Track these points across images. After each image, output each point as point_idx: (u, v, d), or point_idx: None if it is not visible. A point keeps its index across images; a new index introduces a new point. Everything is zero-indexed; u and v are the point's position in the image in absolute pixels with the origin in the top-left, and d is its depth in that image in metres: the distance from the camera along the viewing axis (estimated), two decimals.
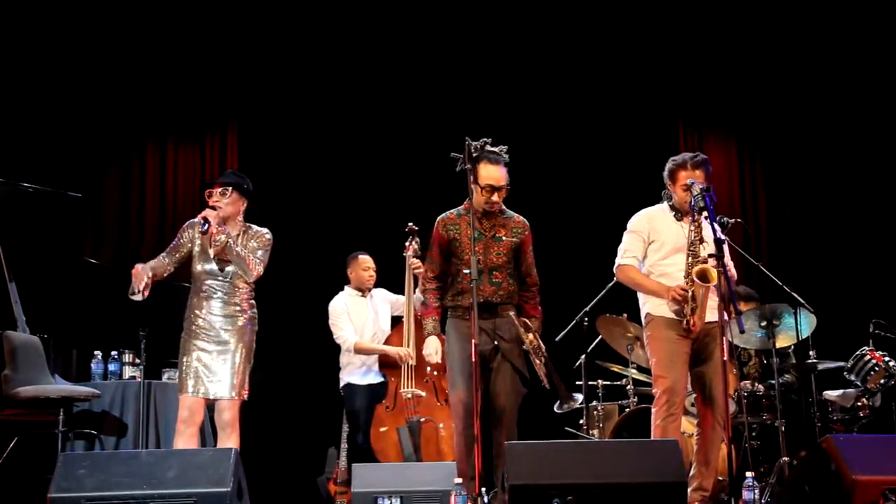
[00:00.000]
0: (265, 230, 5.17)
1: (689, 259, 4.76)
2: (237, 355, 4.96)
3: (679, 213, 4.94)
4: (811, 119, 8.30)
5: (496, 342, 4.94)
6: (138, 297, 4.90)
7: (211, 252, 5.00)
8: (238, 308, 5.01)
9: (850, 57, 8.15)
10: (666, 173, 4.99)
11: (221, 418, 4.97)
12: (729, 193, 8.19)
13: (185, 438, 4.91)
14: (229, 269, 5.00)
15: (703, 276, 4.64)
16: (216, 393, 4.93)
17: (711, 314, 4.77)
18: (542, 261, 7.59)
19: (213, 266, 5.00)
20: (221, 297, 5.00)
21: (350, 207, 8.09)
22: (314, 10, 8.04)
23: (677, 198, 4.93)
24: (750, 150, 8.49)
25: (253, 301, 5.10)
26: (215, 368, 4.94)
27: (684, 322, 4.72)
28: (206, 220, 4.90)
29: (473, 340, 4.59)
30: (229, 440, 4.94)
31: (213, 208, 4.98)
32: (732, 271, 4.96)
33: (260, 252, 5.05)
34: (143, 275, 4.86)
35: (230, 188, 5.09)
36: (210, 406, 5.10)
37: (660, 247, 4.91)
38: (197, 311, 5.00)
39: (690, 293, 4.70)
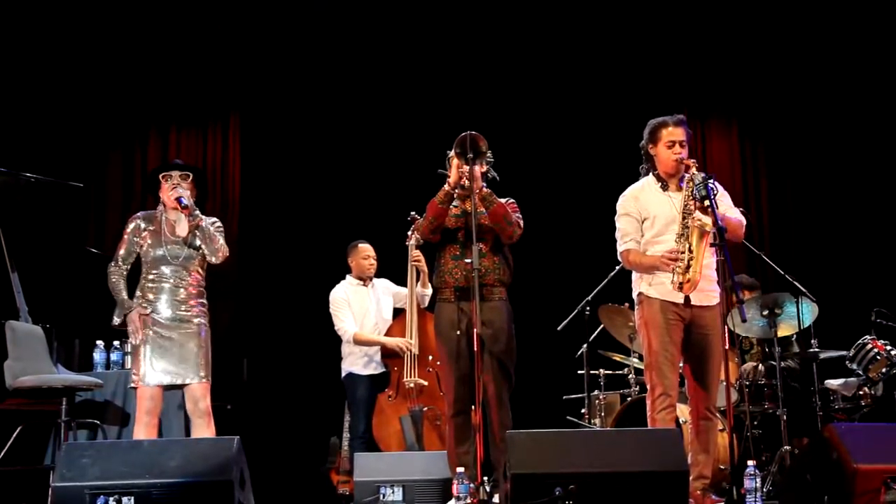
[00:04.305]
0: (214, 218, 5.16)
1: (682, 220, 4.59)
2: (197, 341, 4.93)
3: (664, 182, 4.81)
4: (814, 108, 8.28)
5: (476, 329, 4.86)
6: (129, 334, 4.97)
7: (185, 229, 4.96)
8: (188, 294, 4.98)
9: (852, 46, 8.13)
10: (646, 135, 4.84)
11: (197, 407, 4.92)
12: (731, 182, 8.17)
13: (148, 429, 4.86)
14: (185, 254, 4.98)
15: (700, 227, 4.51)
16: (185, 379, 4.89)
17: (709, 298, 4.73)
18: (545, 251, 7.65)
19: (172, 252, 4.96)
20: (174, 284, 4.96)
21: (351, 196, 8.10)
22: (316, 1, 8.03)
23: (661, 158, 4.79)
24: (752, 139, 8.48)
25: (204, 290, 5.09)
26: (178, 357, 4.90)
27: (676, 284, 4.55)
28: (181, 197, 4.89)
29: (476, 330, 4.58)
30: (208, 429, 4.92)
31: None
32: (741, 219, 4.85)
33: (220, 237, 5.05)
34: (140, 324, 4.90)
35: (190, 175, 5.08)
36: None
37: (651, 224, 4.77)
38: (148, 299, 4.95)
39: (686, 247, 4.54)
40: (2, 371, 5.57)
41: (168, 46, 8.19)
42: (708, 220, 4.48)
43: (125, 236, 5.06)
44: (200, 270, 5.07)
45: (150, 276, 4.99)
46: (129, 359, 6.43)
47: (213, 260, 5.04)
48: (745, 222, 4.87)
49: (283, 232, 8.24)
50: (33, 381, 5.55)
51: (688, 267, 4.53)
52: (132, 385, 4.97)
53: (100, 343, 6.40)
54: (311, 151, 8.30)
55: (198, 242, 4.99)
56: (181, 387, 4.96)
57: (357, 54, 8.23)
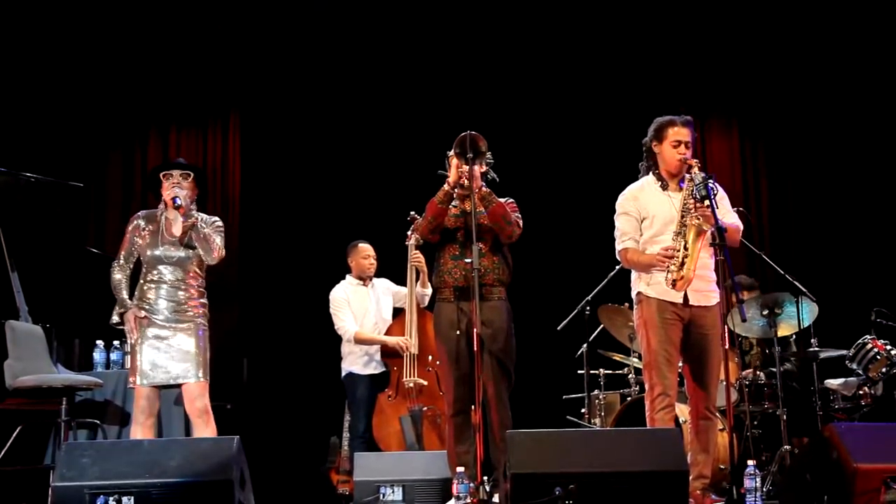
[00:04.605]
0: (216, 217, 5.17)
1: (680, 218, 4.59)
2: (195, 341, 4.93)
3: (664, 182, 4.79)
4: (814, 106, 8.28)
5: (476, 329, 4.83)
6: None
7: (179, 230, 4.96)
8: (188, 295, 4.99)
9: (852, 43, 8.13)
10: (652, 132, 4.81)
11: (195, 406, 4.93)
12: (731, 181, 8.17)
13: (145, 429, 4.88)
14: (181, 254, 4.99)
15: (698, 227, 4.50)
16: (178, 377, 4.90)
17: (707, 298, 4.72)
18: (545, 251, 7.64)
19: (168, 252, 4.97)
20: (172, 285, 4.97)
21: (351, 196, 8.10)
22: (317, 1, 8.03)
23: (665, 156, 4.76)
24: (752, 138, 8.48)
25: (204, 290, 5.09)
26: (175, 357, 4.90)
27: (669, 281, 4.55)
28: (175, 197, 4.90)
29: (475, 330, 4.57)
30: (207, 428, 4.91)
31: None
32: (738, 223, 4.86)
33: (218, 238, 5.04)
34: (135, 325, 4.93)
35: (191, 174, 5.08)
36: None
37: (650, 223, 4.75)
38: (147, 299, 4.96)
39: (682, 244, 4.53)
40: (2, 371, 5.57)
41: (168, 46, 8.19)
42: (704, 222, 4.49)
43: (126, 235, 5.07)
44: (199, 270, 5.07)
45: (149, 276, 5.00)
46: (129, 359, 6.45)
47: (209, 260, 5.04)
48: (741, 228, 4.87)
49: (284, 231, 8.24)
50: (33, 381, 5.55)
51: (682, 264, 4.54)
52: (130, 385, 4.99)
53: (100, 343, 6.41)
54: (311, 151, 8.30)
55: (195, 242, 5.00)
56: (178, 386, 4.97)
57: (357, 54, 8.23)
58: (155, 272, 4.98)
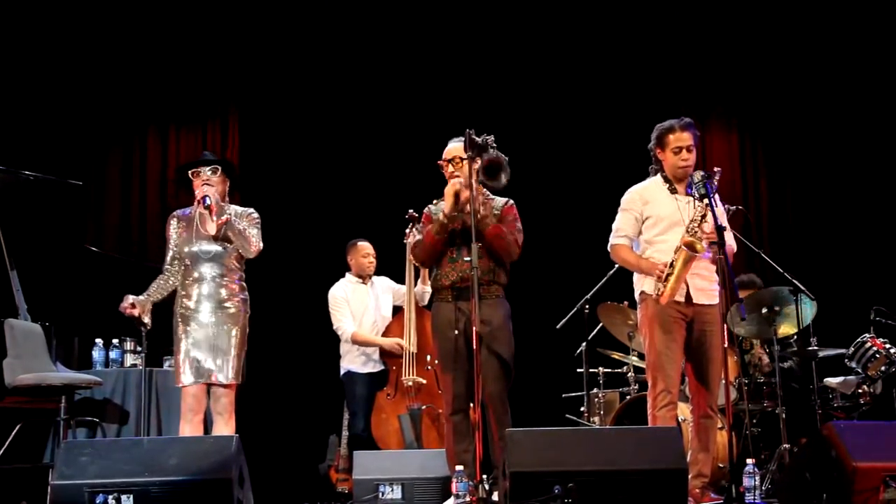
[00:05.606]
0: (251, 209, 5.17)
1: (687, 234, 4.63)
2: (233, 339, 4.95)
3: (672, 185, 4.82)
4: (813, 106, 8.28)
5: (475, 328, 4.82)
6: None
7: (213, 228, 4.96)
8: (230, 291, 5.00)
9: (852, 42, 8.13)
10: (654, 140, 4.86)
11: (219, 404, 4.96)
12: (731, 180, 8.18)
13: (193, 426, 4.91)
14: (219, 249, 4.99)
15: (691, 246, 4.56)
16: (217, 377, 4.92)
17: (710, 296, 4.73)
18: (544, 249, 7.64)
19: (205, 248, 4.99)
20: (213, 281, 4.98)
21: (350, 194, 8.09)
22: None
23: (669, 163, 4.80)
24: (752, 137, 8.48)
25: (244, 284, 5.10)
26: (212, 353, 4.92)
27: (655, 293, 4.62)
28: (205, 196, 4.90)
29: (474, 328, 4.55)
30: (227, 426, 4.93)
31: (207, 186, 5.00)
32: (732, 244, 4.87)
33: (254, 230, 5.04)
34: (132, 311, 4.93)
35: (219, 168, 5.08)
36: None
37: (654, 223, 4.78)
38: (188, 296, 4.98)
39: (671, 262, 4.58)
40: (1, 369, 5.56)
41: (167, 44, 8.17)
42: (700, 242, 4.54)
43: (167, 237, 5.10)
44: (238, 264, 5.08)
45: (190, 274, 5.01)
46: (128, 357, 6.47)
47: (247, 254, 5.05)
48: (735, 249, 4.94)
49: (283, 229, 8.22)
50: (32, 379, 5.55)
51: (666, 278, 4.59)
52: (177, 384, 5.01)
53: (99, 341, 6.41)
54: (311, 149, 8.29)
55: (231, 237, 5.00)
56: (219, 385, 4.97)
57: (356, 52, 8.22)
58: (194, 269, 5.00)
